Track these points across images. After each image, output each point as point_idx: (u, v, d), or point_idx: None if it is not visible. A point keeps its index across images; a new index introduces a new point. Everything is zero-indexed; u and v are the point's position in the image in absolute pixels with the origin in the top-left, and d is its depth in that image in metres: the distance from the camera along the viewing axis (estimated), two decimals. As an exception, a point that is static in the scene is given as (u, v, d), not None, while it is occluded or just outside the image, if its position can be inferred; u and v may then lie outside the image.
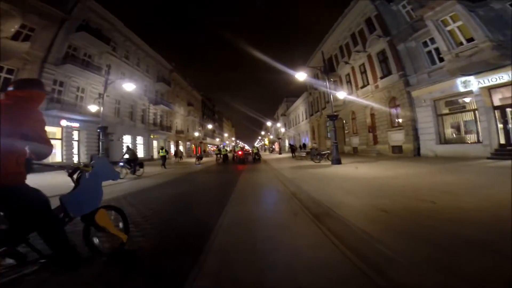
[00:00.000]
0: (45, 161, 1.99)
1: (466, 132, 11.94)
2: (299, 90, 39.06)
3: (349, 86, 21.37)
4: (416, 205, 3.48)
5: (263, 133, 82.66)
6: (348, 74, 21.42)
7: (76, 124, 16.53)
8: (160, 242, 2.76)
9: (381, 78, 16.73)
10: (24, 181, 1.70)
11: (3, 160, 1.50)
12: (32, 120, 1.67)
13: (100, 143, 12.03)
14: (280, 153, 31.61)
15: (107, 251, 2.40)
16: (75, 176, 2.19)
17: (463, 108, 12.01)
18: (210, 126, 50.26)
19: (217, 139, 64.24)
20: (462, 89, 11.22)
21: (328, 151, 13.40)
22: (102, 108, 12.50)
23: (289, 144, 26.98)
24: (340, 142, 23.90)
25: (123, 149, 22.36)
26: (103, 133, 12.02)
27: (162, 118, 31.35)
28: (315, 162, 12.81)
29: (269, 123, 46.19)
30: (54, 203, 1.94)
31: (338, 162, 11.33)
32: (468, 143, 11.63)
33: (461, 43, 10.76)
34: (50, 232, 1.76)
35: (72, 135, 16.73)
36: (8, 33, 13.39)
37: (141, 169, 10.97)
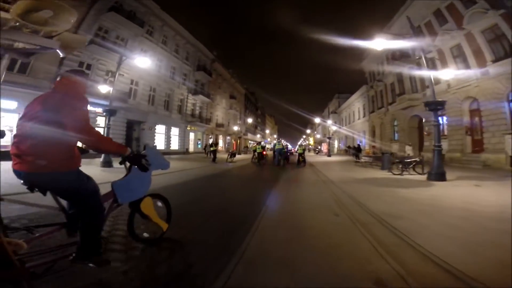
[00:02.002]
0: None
1: None
2: (353, 87, 33.44)
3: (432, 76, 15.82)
4: None
5: (308, 131, 77.00)
6: (432, 59, 15.84)
7: (99, 109, 15.01)
8: None
9: (494, 61, 11.33)
10: (76, 167, 1.78)
11: (53, 147, 1.60)
12: (71, 109, 1.66)
13: (106, 128, 9.87)
14: (329, 155, 26.79)
15: (148, 238, 2.43)
16: (127, 164, 2.14)
17: None
18: (250, 120, 47.44)
19: (258, 135, 61.44)
20: None
21: (415, 159, 8.76)
22: (112, 89, 10.39)
23: (357, 145, 21.59)
24: (413, 146, 18.41)
25: (154, 138, 20.88)
26: (110, 116, 9.95)
27: (201, 109, 29.47)
28: (394, 174, 8.39)
29: (317, 120, 41.06)
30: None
31: (441, 177, 6.83)
32: None
33: None
34: (91, 218, 1.79)
35: (96, 121, 15.28)
36: (67, 26, 12.69)
37: None
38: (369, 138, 26.40)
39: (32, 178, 1.61)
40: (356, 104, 32.52)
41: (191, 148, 27.12)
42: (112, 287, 1.78)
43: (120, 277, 1.85)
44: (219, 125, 34.69)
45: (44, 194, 1.69)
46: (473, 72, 12.36)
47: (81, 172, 1.80)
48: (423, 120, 16.81)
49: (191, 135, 27.39)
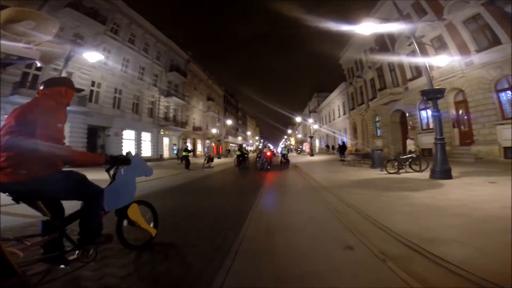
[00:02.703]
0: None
1: None
2: (331, 86, 33.13)
3: (413, 68, 15.62)
4: None
5: (290, 131, 76.89)
6: (413, 52, 15.59)
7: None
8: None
9: (478, 51, 11.04)
10: (58, 168, 1.72)
11: (32, 157, 1.55)
12: (47, 123, 1.62)
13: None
14: (312, 155, 26.08)
15: (137, 244, 2.40)
16: (111, 172, 2.15)
17: None
18: (229, 122, 45.79)
19: (240, 138, 60.04)
20: None
21: (412, 155, 7.91)
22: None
23: (342, 143, 20.57)
24: (397, 142, 18.11)
25: (122, 145, 18.81)
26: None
27: (176, 112, 27.58)
28: (389, 173, 7.45)
29: (298, 119, 40.43)
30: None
31: (447, 175, 5.93)
32: None
33: None
34: (93, 207, 1.82)
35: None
36: (49, 37, 11.05)
37: None
38: (351, 135, 26.04)
39: (16, 188, 1.55)
40: (335, 102, 32.27)
41: (166, 154, 25.13)
42: None
43: (118, 283, 1.80)
44: (196, 128, 32.90)
45: (32, 205, 1.65)
46: (457, 63, 12.00)
47: (63, 171, 1.75)
48: (406, 115, 16.45)
49: (165, 140, 25.41)
